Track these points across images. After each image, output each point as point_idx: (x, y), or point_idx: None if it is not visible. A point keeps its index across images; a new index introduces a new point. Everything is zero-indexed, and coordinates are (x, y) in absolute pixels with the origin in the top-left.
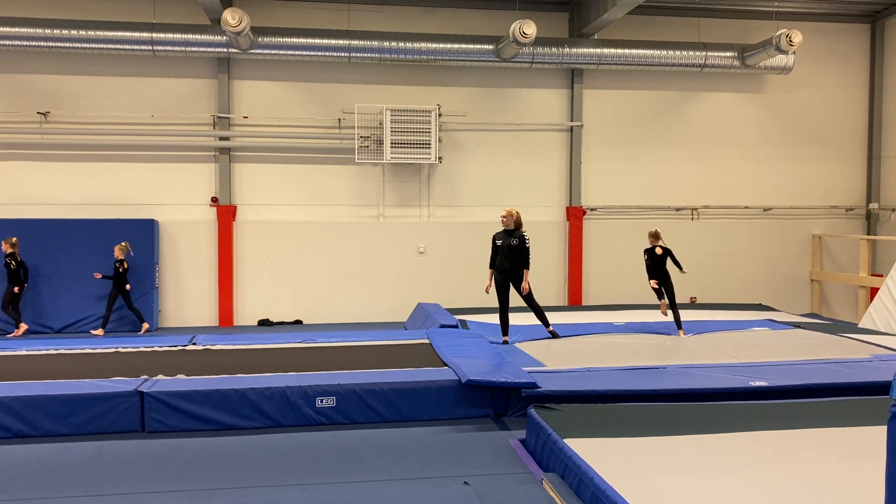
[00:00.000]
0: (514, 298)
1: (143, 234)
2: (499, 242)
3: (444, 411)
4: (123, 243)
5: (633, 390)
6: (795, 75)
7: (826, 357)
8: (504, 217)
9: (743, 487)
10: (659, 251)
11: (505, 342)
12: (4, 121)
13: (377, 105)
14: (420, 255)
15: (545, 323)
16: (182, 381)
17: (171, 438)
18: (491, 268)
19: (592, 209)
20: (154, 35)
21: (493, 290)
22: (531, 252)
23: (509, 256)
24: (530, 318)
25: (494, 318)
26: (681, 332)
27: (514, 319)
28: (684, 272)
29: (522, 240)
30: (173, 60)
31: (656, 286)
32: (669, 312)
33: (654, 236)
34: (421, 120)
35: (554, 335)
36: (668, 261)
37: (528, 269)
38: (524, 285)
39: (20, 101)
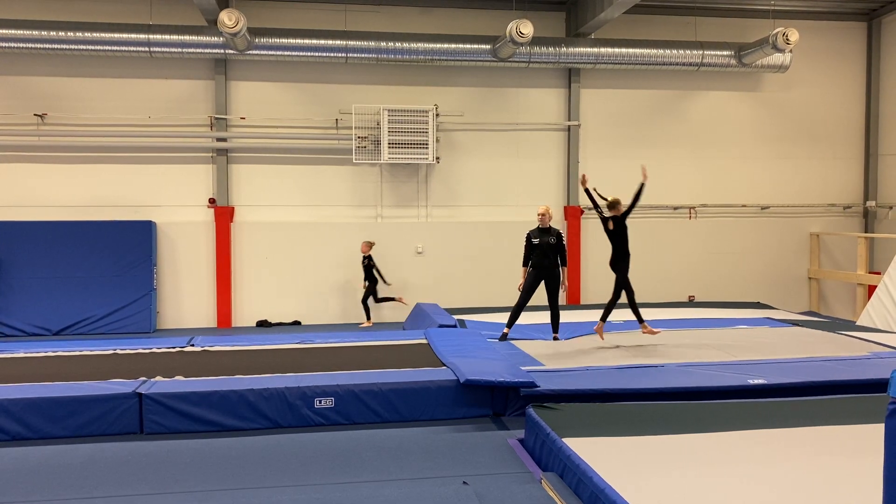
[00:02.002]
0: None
1: (141, 235)
2: (536, 240)
3: (442, 411)
4: None
5: (632, 389)
6: (792, 74)
7: (824, 355)
8: (542, 214)
9: (741, 485)
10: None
11: (505, 334)
12: (1, 123)
13: (374, 105)
14: (418, 255)
15: (555, 327)
16: (180, 383)
17: (169, 440)
18: (524, 266)
19: (590, 209)
20: (151, 36)
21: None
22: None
23: (548, 254)
24: (529, 318)
25: (493, 318)
26: None
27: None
28: (388, 284)
29: (560, 238)
30: (170, 62)
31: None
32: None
33: (368, 244)
34: (418, 120)
35: (556, 340)
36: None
37: (566, 266)
38: (565, 283)
39: (17, 103)
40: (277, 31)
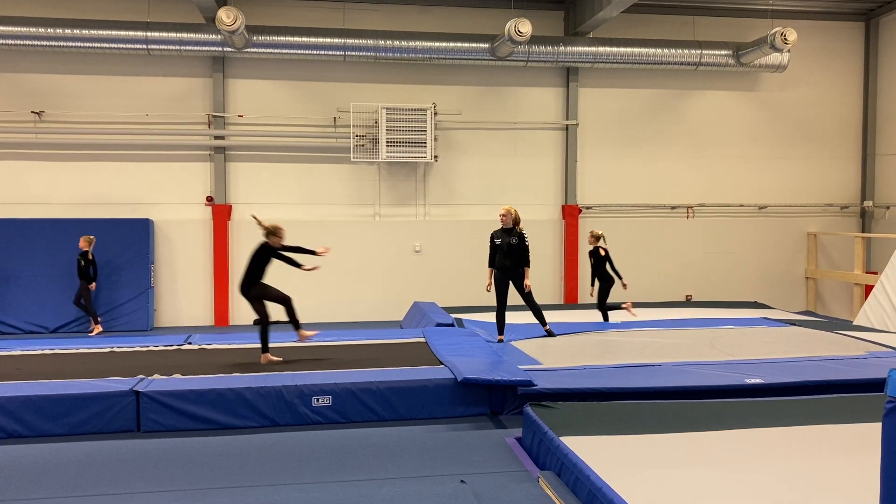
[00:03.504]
0: (512, 297)
1: (139, 233)
2: (498, 241)
3: (440, 410)
4: None
5: (629, 388)
6: (790, 73)
7: (821, 354)
8: (503, 215)
9: (739, 484)
10: None
11: (500, 341)
12: None
13: (373, 104)
14: (416, 253)
15: (542, 322)
16: (178, 381)
17: (166, 438)
18: (490, 266)
19: (588, 208)
20: (149, 34)
21: (492, 288)
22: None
23: (509, 255)
24: (526, 317)
25: (490, 317)
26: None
27: (510, 318)
28: (91, 288)
29: (522, 238)
30: (168, 59)
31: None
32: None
33: (87, 240)
34: (416, 118)
35: (550, 334)
36: None
37: (528, 266)
38: (526, 283)
39: (14, 101)
40: (275, 29)
